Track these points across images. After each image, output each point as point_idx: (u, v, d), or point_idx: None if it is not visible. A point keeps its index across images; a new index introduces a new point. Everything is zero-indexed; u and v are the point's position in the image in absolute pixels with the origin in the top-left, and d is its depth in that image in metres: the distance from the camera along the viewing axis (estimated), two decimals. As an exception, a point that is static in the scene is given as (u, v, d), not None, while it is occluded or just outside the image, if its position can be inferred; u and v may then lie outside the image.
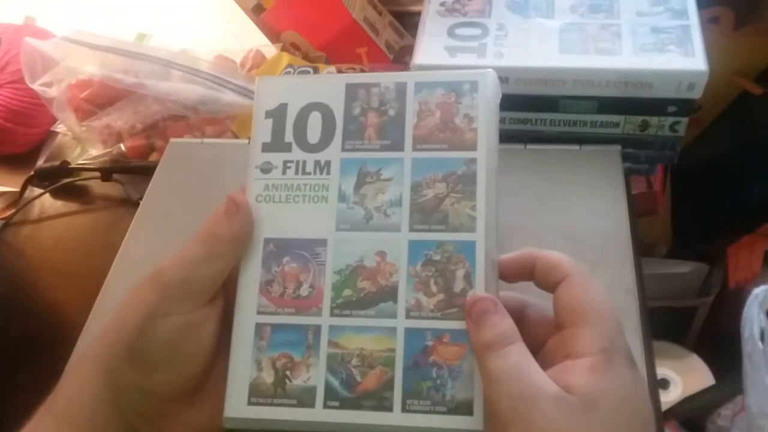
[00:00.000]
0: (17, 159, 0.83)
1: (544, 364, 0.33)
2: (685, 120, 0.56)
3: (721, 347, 0.92)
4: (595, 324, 0.34)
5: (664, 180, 0.91)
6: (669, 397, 0.98)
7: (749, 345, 0.63)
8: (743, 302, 0.70)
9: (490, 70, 0.39)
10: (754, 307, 0.63)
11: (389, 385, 0.34)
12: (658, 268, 1.01)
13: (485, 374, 0.33)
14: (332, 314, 0.36)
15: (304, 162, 0.39)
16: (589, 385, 0.31)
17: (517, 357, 0.32)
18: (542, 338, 0.36)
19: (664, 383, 1.01)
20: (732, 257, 1.03)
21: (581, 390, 0.31)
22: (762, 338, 0.62)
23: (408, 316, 0.35)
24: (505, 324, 0.34)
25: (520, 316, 0.38)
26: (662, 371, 1.01)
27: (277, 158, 0.40)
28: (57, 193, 0.75)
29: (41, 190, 0.75)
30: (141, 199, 0.60)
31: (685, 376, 1.01)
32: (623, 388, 0.32)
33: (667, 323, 1.03)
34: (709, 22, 0.91)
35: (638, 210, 0.85)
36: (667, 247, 1.06)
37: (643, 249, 1.03)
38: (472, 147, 0.38)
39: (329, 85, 0.41)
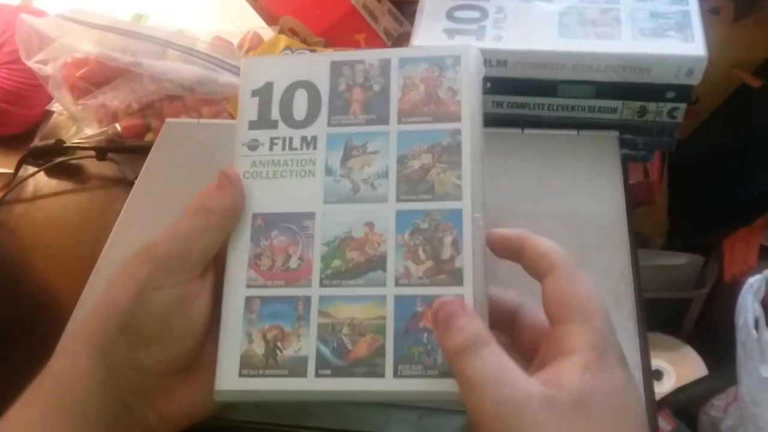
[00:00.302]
0: (13, 140, 0.82)
1: (541, 367, 0.32)
2: (683, 106, 0.56)
3: (715, 339, 0.93)
4: (584, 320, 0.32)
5: (662, 170, 0.91)
6: (662, 388, 0.98)
7: (743, 334, 0.63)
8: (738, 295, 0.71)
9: (473, 45, 0.41)
10: (749, 297, 0.63)
11: (380, 351, 0.35)
12: (653, 260, 1.02)
13: (464, 381, 0.31)
14: (322, 285, 0.37)
15: (291, 138, 0.40)
16: (581, 384, 0.30)
17: (494, 359, 0.31)
18: (538, 342, 0.35)
19: (658, 374, 1.01)
20: (728, 250, 1.03)
21: (574, 390, 0.30)
22: (756, 327, 0.62)
23: (397, 284, 0.36)
24: (474, 326, 0.32)
25: (513, 318, 0.37)
26: (656, 362, 1.02)
27: (263, 135, 0.41)
28: (51, 172, 0.75)
29: (36, 169, 0.74)
30: (136, 178, 0.59)
31: (679, 367, 1.02)
32: (616, 388, 0.31)
33: (662, 314, 1.03)
34: (709, 13, 0.91)
35: (635, 200, 0.85)
36: (664, 238, 1.06)
37: (639, 240, 1.04)
38: (457, 119, 0.38)
39: (314, 63, 0.42)
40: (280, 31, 0.81)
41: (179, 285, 0.37)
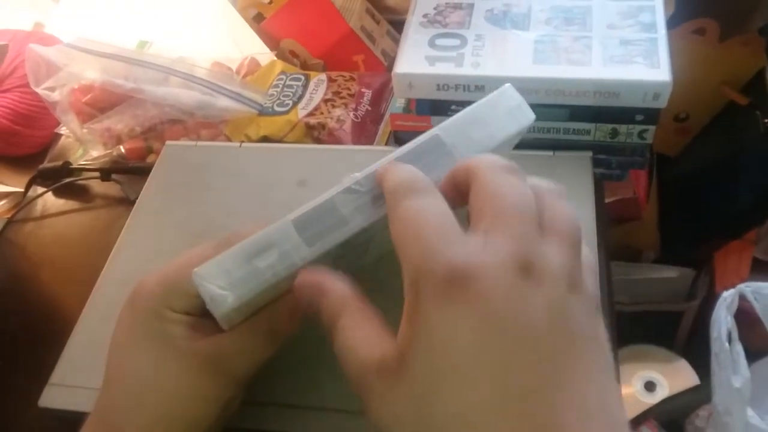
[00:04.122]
0: (24, 160, 0.86)
1: None
2: (652, 128, 0.58)
3: (707, 351, 0.94)
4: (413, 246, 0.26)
5: (649, 187, 0.93)
6: (655, 399, 1.00)
7: (717, 346, 0.65)
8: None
9: None
10: (722, 310, 0.65)
11: None
12: (645, 273, 1.04)
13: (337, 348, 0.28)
14: None
15: None
16: (399, 340, 0.25)
17: (344, 333, 0.28)
18: None
19: (651, 386, 1.03)
20: (720, 263, 1.04)
21: (395, 350, 0.25)
22: (729, 340, 0.65)
23: None
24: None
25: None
26: (649, 374, 1.04)
27: None
28: (59, 192, 0.78)
29: (44, 189, 0.78)
30: (137, 198, 0.63)
31: (672, 379, 1.03)
32: (433, 335, 0.24)
33: (655, 327, 1.05)
34: (695, 34, 0.94)
35: (621, 216, 0.87)
36: (655, 252, 1.08)
37: (631, 254, 1.06)
38: None
39: None
40: (281, 54, 0.84)
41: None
